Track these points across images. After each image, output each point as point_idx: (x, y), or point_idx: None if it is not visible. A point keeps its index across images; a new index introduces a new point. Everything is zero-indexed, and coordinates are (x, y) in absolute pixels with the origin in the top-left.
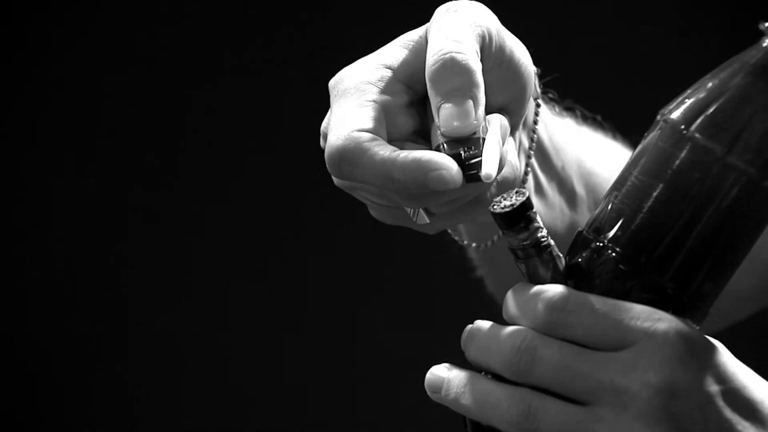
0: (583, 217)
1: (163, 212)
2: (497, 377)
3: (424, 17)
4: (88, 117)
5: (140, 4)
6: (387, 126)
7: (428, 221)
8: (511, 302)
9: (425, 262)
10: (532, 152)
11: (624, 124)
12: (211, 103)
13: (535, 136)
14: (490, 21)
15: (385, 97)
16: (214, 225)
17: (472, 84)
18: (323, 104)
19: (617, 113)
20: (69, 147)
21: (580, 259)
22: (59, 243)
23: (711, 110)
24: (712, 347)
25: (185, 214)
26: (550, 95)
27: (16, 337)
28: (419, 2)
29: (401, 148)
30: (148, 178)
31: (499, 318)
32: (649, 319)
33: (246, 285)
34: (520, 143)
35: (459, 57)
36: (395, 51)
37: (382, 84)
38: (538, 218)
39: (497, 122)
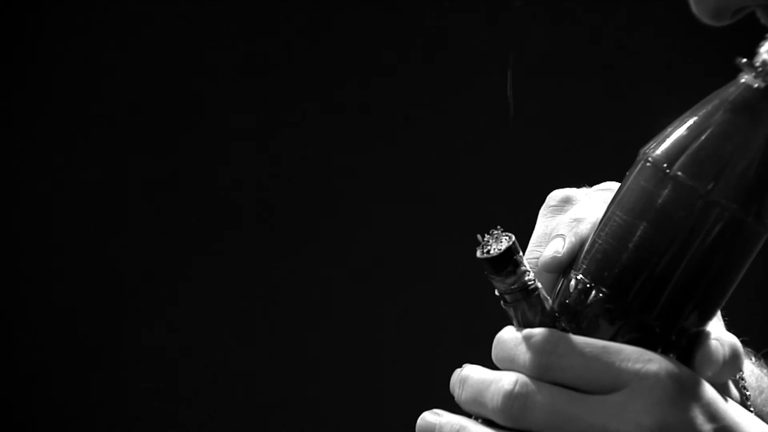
0: None
1: (163, 212)
2: (488, 422)
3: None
4: (88, 117)
5: (138, 4)
6: None
7: None
8: (500, 346)
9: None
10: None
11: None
12: (214, 104)
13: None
14: None
15: None
16: (215, 224)
17: None
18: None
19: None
20: (68, 147)
21: (567, 300)
22: (58, 242)
23: (693, 148)
24: (703, 386)
25: (185, 214)
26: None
27: (15, 337)
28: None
29: None
30: (146, 178)
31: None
32: (640, 360)
33: (246, 286)
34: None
35: None
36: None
37: None
38: (525, 261)
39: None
